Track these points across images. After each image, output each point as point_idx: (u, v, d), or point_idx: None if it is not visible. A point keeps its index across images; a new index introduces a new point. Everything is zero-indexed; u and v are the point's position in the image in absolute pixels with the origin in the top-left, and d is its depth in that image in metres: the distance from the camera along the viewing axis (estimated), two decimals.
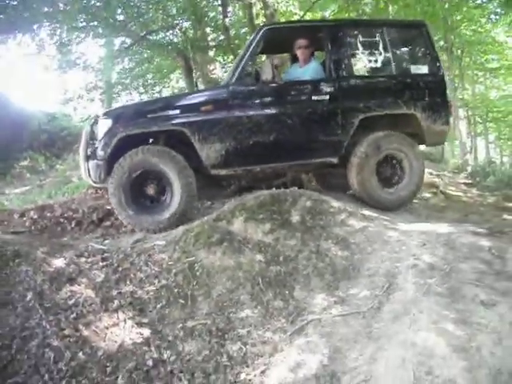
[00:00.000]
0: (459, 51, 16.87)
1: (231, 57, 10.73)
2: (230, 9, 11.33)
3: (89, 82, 12.29)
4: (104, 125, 4.19)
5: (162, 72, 14.98)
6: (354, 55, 4.75)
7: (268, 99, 4.53)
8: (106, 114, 4.36)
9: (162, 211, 4.21)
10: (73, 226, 4.70)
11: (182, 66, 11.23)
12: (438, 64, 4.94)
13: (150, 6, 10.06)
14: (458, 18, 14.41)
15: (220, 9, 10.91)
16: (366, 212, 4.23)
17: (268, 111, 4.48)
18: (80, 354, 2.69)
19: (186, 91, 11.11)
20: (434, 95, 4.83)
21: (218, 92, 4.58)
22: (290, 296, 3.21)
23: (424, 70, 4.90)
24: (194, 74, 9.63)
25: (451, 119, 5.31)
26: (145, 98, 14.32)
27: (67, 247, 3.85)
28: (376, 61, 4.75)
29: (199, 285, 3.30)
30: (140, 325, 2.97)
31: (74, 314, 2.95)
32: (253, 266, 3.42)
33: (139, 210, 4.20)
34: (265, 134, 4.43)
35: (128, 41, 11.53)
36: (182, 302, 3.17)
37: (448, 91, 5.09)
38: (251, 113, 4.41)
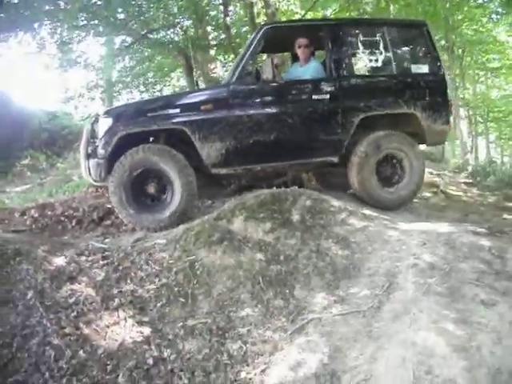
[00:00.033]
0: (460, 51, 16.87)
1: (232, 56, 10.74)
2: (231, 8, 11.36)
3: (90, 81, 12.34)
4: (104, 123, 4.20)
5: (162, 71, 14.98)
6: (354, 54, 4.74)
7: (268, 98, 4.53)
8: (107, 113, 4.36)
9: (163, 210, 4.21)
10: (73, 224, 4.70)
11: (183, 64, 11.23)
12: (438, 63, 4.94)
13: (151, 5, 10.06)
14: (459, 17, 14.40)
15: (221, 7, 10.93)
16: (367, 211, 4.23)
17: (268, 110, 4.47)
18: (80, 352, 2.70)
19: (187, 90, 11.12)
20: (434, 95, 4.83)
21: (219, 91, 4.59)
22: (290, 295, 3.21)
23: (424, 69, 4.90)
24: (194, 73, 9.63)
25: (451, 119, 5.31)
26: (145, 96, 14.32)
27: (68, 246, 3.85)
28: (376, 60, 4.75)
29: (200, 283, 3.30)
30: (140, 323, 2.98)
31: (75, 313, 2.96)
32: (253, 265, 3.43)
33: (140, 209, 4.20)
34: (265, 133, 4.43)
35: (129, 39, 11.54)
36: (183, 300, 3.17)
37: (448, 91, 5.09)
38: (251, 112, 4.41)
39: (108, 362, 2.68)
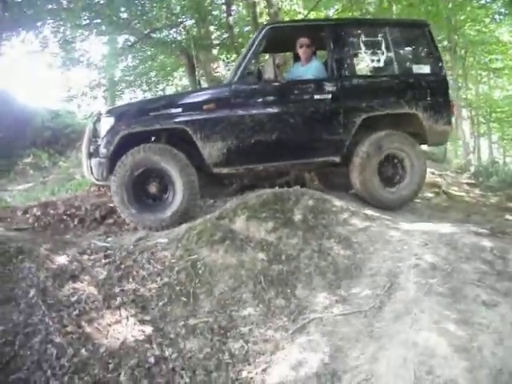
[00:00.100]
0: (463, 51, 16.84)
1: (234, 55, 10.75)
2: (233, 7, 11.35)
3: (92, 80, 12.34)
4: (106, 123, 4.21)
5: (165, 70, 14.97)
6: (356, 54, 4.74)
7: (270, 98, 4.53)
8: (109, 112, 4.37)
9: (164, 209, 4.22)
10: (76, 223, 4.71)
11: (186, 64, 11.24)
12: (440, 64, 4.93)
13: (154, 4, 10.05)
14: (462, 17, 14.37)
15: (224, 7, 10.92)
16: (369, 211, 4.23)
17: (270, 110, 4.48)
18: (82, 350, 2.71)
19: (189, 89, 11.12)
20: (436, 95, 4.82)
21: (221, 90, 4.59)
22: (291, 294, 3.22)
23: (426, 69, 4.89)
24: (197, 72, 9.64)
25: (453, 119, 5.30)
26: (148, 95, 14.32)
27: (70, 244, 3.86)
28: (378, 60, 4.75)
29: (201, 283, 3.31)
30: (142, 322, 2.99)
31: (77, 311, 2.97)
32: (255, 265, 3.43)
33: (141, 209, 4.21)
34: (267, 133, 4.43)
35: (131, 38, 11.55)
36: (184, 299, 3.18)
37: (450, 91, 5.08)
38: (253, 111, 4.41)
39: (110, 361, 2.69)
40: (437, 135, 4.94)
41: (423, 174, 4.93)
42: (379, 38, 4.76)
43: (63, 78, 14.91)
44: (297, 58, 5.47)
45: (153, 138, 4.45)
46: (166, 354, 2.77)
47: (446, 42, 14.23)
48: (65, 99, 12.68)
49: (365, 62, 4.75)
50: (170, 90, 15.79)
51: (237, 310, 3.10)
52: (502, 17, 14.28)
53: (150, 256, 3.56)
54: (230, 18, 10.23)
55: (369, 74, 4.81)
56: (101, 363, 2.66)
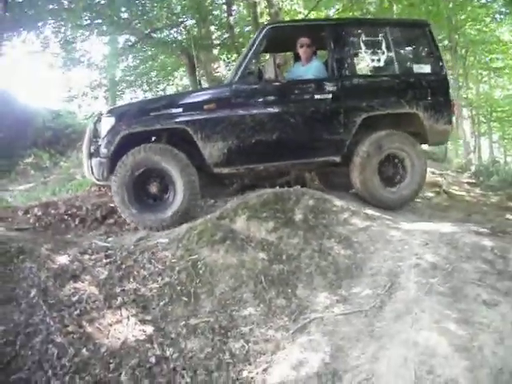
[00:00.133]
0: (463, 50, 16.82)
1: (235, 55, 10.76)
2: (234, 7, 11.36)
3: (93, 80, 12.36)
4: (107, 123, 4.21)
5: (166, 70, 14.98)
6: (356, 54, 4.74)
7: (271, 98, 4.53)
8: (109, 112, 4.38)
9: (165, 209, 4.22)
10: (77, 223, 4.72)
11: (186, 63, 11.25)
12: (440, 63, 4.93)
13: (155, 4, 10.06)
14: (463, 17, 14.36)
15: (224, 7, 10.92)
16: (369, 211, 4.23)
17: (271, 110, 4.48)
18: (83, 350, 2.71)
19: (189, 89, 11.13)
20: (436, 95, 4.82)
21: (221, 90, 4.59)
22: (292, 294, 3.22)
23: (427, 69, 4.89)
24: (197, 72, 9.65)
25: (454, 119, 5.30)
26: (149, 95, 14.33)
27: (71, 244, 3.87)
28: (379, 60, 4.74)
29: (202, 283, 3.31)
30: (143, 322, 2.99)
31: (78, 311, 2.97)
32: (256, 265, 3.43)
33: (142, 209, 4.21)
34: (267, 133, 4.43)
35: (132, 38, 11.57)
36: (185, 299, 3.18)
37: (451, 91, 5.08)
38: (254, 111, 4.42)
39: (111, 361, 2.69)
40: (437, 135, 4.94)
41: (424, 174, 4.93)
42: (380, 38, 4.76)
43: (64, 78, 14.91)
44: (297, 58, 5.47)
45: (153, 138, 4.45)
46: (167, 353, 2.77)
47: (446, 42, 14.22)
48: (66, 99, 12.71)
49: (365, 62, 4.75)
50: (170, 90, 15.81)
51: (237, 310, 3.10)
52: (502, 16, 14.28)
53: (150, 256, 3.57)
54: (231, 18, 10.23)
55: (369, 73, 4.80)
56: (102, 363, 2.67)
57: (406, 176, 4.85)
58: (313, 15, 11.31)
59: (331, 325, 2.85)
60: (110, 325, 2.93)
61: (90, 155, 4.28)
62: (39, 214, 4.77)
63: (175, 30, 11.40)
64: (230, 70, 10.90)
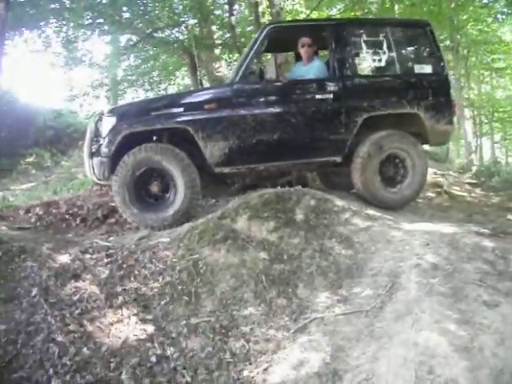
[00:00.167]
0: (465, 51, 16.77)
1: (237, 55, 10.74)
2: (236, 7, 11.34)
3: (95, 79, 12.39)
4: (108, 122, 4.21)
5: (167, 69, 14.98)
6: (357, 54, 4.73)
7: (272, 98, 4.53)
8: (111, 112, 4.39)
9: (166, 209, 4.22)
10: (78, 222, 4.73)
11: (188, 63, 11.26)
12: (441, 64, 4.93)
13: (156, 4, 10.07)
14: (464, 17, 14.31)
15: (226, 7, 10.91)
16: (370, 211, 4.23)
17: (272, 110, 4.48)
18: (84, 349, 2.72)
19: (191, 89, 11.13)
20: (437, 95, 4.81)
21: (222, 90, 4.60)
22: (293, 294, 3.22)
23: (428, 69, 4.88)
24: (198, 72, 9.65)
25: (455, 119, 5.29)
26: (150, 95, 14.34)
27: (72, 243, 3.88)
28: (380, 60, 4.74)
29: (203, 282, 3.31)
30: (144, 321, 3.00)
31: (79, 310, 2.98)
32: (256, 264, 3.44)
33: (143, 208, 4.21)
34: (268, 133, 4.43)
35: (134, 38, 11.57)
36: (186, 299, 3.18)
37: (452, 91, 5.07)
38: (255, 111, 4.42)
39: (111, 360, 2.70)
40: (438, 135, 4.93)
41: (425, 174, 4.93)
42: (381, 38, 4.75)
43: (66, 78, 15.00)
44: (298, 58, 5.47)
45: (154, 138, 4.45)
46: (168, 353, 2.78)
47: (448, 42, 14.17)
48: (67, 99, 12.75)
49: (366, 62, 4.75)
50: (172, 90, 15.80)
51: (238, 310, 3.11)
52: (504, 16, 14.22)
53: (151, 255, 3.57)
54: (232, 18, 10.22)
55: (370, 73, 4.80)
56: (102, 362, 2.67)
57: (406, 176, 4.85)
58: (314, 15, 11.29)
59: (332, 325, 2.85)
60: (111, 324, 2.94)
61: (91, 155, 4.29)
62: (40, 213, 4.79)
63: (177, 29, 11.40)
64: (231, 69, 10.89)
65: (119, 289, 3.23)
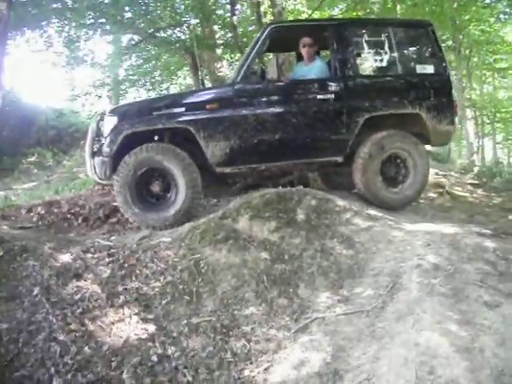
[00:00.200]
0: (467, 51, 16.74)
1: (238, 55, 10.75)
2: (237, 7, 11.35)
3: (96, 79, 12.41)
4: (110, 122, 4.22)
5: (169, 69, 14.99)
6: (359, 54, 4.72)
7: (273, 97, 4.53)
8: (112, 112, 4.39)
9: (168, 208, 4.22)
10: (79, 221, 4.74)
11: (190, 63, 11.27)
12: (443, 64, 4.92)
13: (158, 4, 10.08)
14: (467, 17, 14.27)
15: (228, 7, 10.93)
16: (371, 211, 4.23)
17: (273, 110, 4.48)
18: (86, 348, 2.73)
19: (192, 89, 11.14)
20: (439, 95, 4.81)
21: (224, 90, 4.60)
22: (294, 294, 3.23)
23: (430, 69, 4.88)
24: (200, 72, 9.68)
25: (457, 119, 5.28)
26: (152, 94, 14.35)
27: (74, 243, 3.89)
28: (382, 60, 4.73)
29: (204, 282, 3.32)
30: (145, 320, 3.00)
31: (80, 309, 2.99)
32: (258, 264, 3.44)
33: (145, 208, 4.22)
34: (270, 133, 4.43)
35: (136, 38, 11.59)
36: (187, 298, 3.19)
37: (454, 91, 5.06)
38: (256, 111, 4.42)
39: (113, 359, 2.71)
40: (440, 135, 4.92)
41: (426, 174, 4.92)
42: (382, 38, 4.75)
43: (68, 77, 15.03)
44: (300, 58, 5.47)
45: (156, 138, 4.46)
46: (169, 352, 2.79)
47: (450, 42, 14.16)
48: (69, 98, 12.79)
49: (368, 62, 4.75)
50: (173, 90, 15.81)
51: (239, 309, 3.11)
52: (506, 16, 14.19)
53: (153, 255, 3.58)
54: (234, 18, 10.24)
55: (372, 73, 4.80)
56: (104, 361, 2.68)
57: (408, 176, 4.84)
58: (316, 15, 11.29)
59: (333, 325, 2.85)
60: (113, 323, 2.95)
61: (93, 154, 4.30)
62: (42, 212, 4.80)
63: (179, 29, 11.40)
64: (233, 69, 10.90)
65: (120, 288, 3.24)
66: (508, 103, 20.43)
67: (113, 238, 4.16)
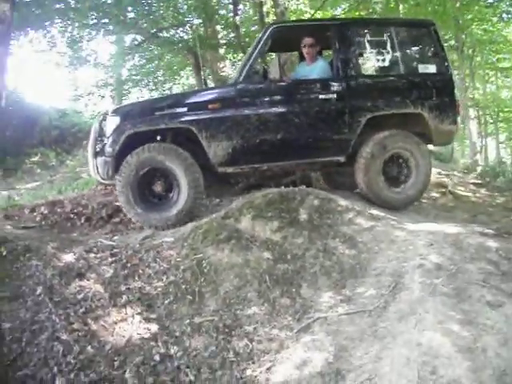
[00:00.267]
0: (470, 50, 16.71)
1: (241, 55, 10.75)
2: (240, 7, 11.35)
3: (99, 79, 12.42)
4: (112, 122, 4.23)
5: (172, 69, 15.00)
6: (361, 54, 4.72)
7: (275, 97, 4.53)
8: (115, 112, 4.40)
9: (170, 208, 4.23)
10: (82, 221, 4.75)
11: (192, 63, 11.28)
12: (446, 63, 4.91)
13: (161, 4, 10.10)
14: (469, 17, 14.25)
15: (231, 7, 10.92)
16: (374, 211, 4.23)
17: (275, 109, 4.48)
18: (88, 347, 2.73)
19: (195, 89, 11.15)
20: (441, 95, 4.80)
21: (226, 90, 4.61)
22: (296, 294, 3.23)
23: (432, 69, 4.87)
24: (202, 72, 9.67)
25: (459, 119, 5.28)
26: (155, 94, 14.36)
27: (77, 243, 3.90)
28: (384, 60, 4.73)
29: (207, 281, 3.32)
30: (148, 320, 3.01)
31: (83, 309, 2.99)
32: (260, 264, 3.44)
33: (147, 208, 4.23)
34: (272, 132, 4.44)
35: (139, 38, 11.60)
36: (190, 298, 3.19)
37: (456, 91, 5.05)
38: (259, 111, 4.42)
39: (115, 358, 2.71)
40: (442, 135, 4.92)
41: (429, 174, 4.92)
42: (385, 38, 4.75)
43: (71, 78, 15.04)
44: (302, 58, 5.47)
45: (158, 138, 4.46)
46: (172, 351, 2.79)
47: (453, 42, 14.13)
48: (72, 98, 12.80)
49: (370, 62, 4.74)
50: (176, 90, 15.83)
51: (242, 309, 3.11)
52: (509, 16, 14.17)
53: (155, 255, 3.58)
54: (237, 18, 10.22)
55: (374, 73, 4.80)
56: (106, 360, 2.69)
57: (410, 176, 4.84)
58: (319, 15, 11.29)
59: (335, 324, 2.85)
60: (115, 323, 2.95)
61: (96, 154, 4.31)
62: (45, 212, 4.81)
63: (181, 29, 11.41)
64: (235, 69, 10.90)
65: (123, 288, 3.25)
66: (511, 102, 20.37)
67: (115, 237, 4.17)
